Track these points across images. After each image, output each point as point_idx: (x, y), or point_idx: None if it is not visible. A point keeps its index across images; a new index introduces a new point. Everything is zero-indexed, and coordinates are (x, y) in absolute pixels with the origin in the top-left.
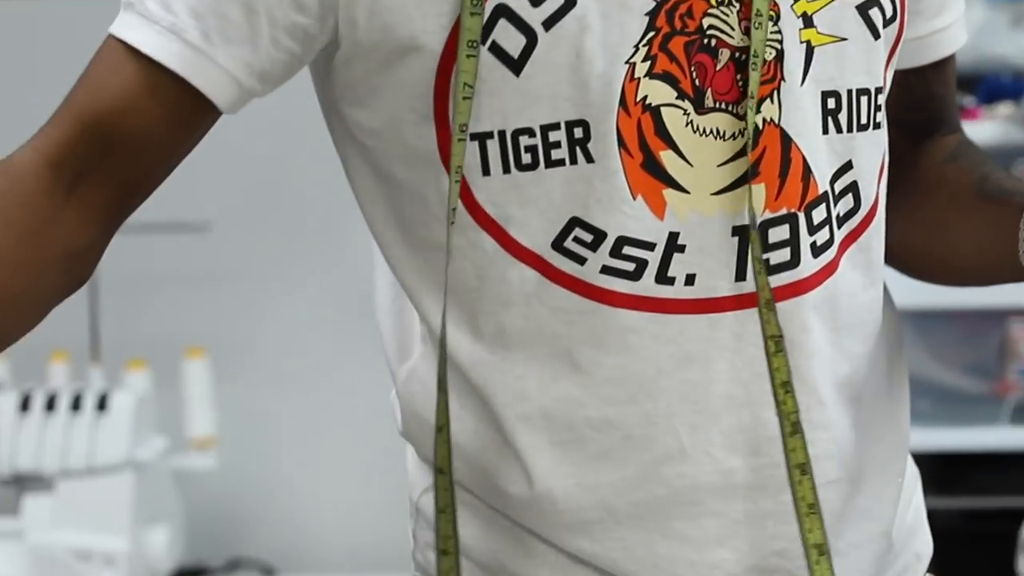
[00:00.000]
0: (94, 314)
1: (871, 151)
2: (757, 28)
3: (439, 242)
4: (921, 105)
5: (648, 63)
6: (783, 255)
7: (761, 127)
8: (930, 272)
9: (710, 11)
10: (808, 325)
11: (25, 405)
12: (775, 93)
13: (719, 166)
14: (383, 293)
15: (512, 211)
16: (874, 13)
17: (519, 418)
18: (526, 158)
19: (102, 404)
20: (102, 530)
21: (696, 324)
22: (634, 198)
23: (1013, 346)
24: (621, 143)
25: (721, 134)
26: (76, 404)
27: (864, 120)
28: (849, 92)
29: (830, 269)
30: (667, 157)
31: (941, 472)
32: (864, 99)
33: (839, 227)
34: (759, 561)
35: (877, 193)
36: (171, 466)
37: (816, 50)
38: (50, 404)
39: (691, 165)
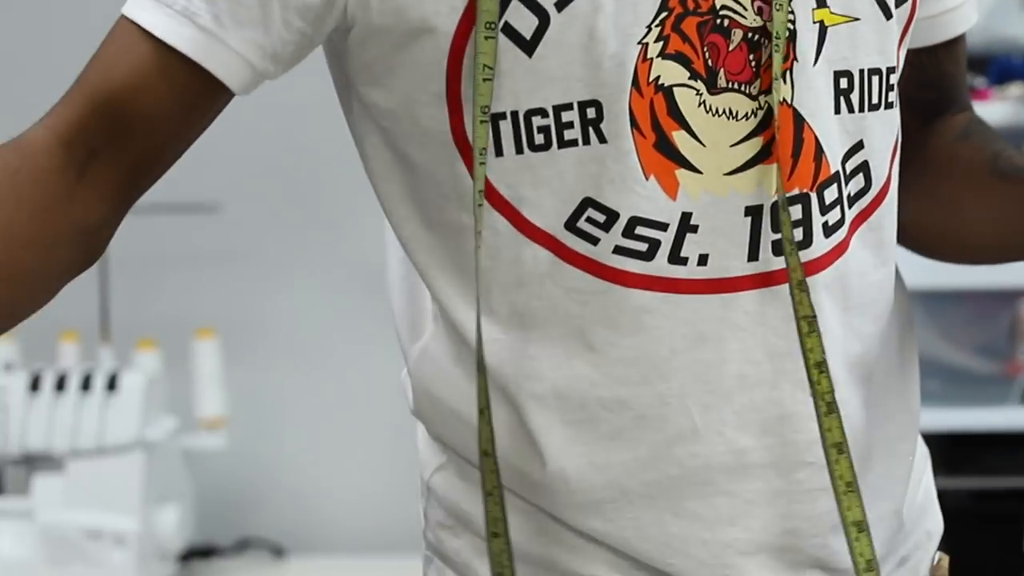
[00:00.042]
0: (104, 294)
1: (883, 131)
2: (778, 10)
3: (453, 222)
4: (932, 84)
5: (661, 43)
6: (795, 235)
7: (775, 107)
8: (944, 251)
9: None
10: (819, 305)
11: (35, 385)
12: (788, 73)
13: (732, 146)
14: (395, 272)
15: (525, 192)
16: None
17: (532, 398)
18: (539, 139)
19: (112, 384)
20: (112, 510)
21: (709, 304)
22: (647, 178)
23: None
24: (634, 123)
25: (734, 114)
26: (86, 384)
27: (876, 100)
28: (861, 72)
29: (841, 249)
30: (680, 137)
31: (951, 452)
32: (876, 79)
33: (850, 207)
34: (772, 540)
35: (889, 173)
36: (181, 446)
37: (829, 30)
38: (60, 384)
39: (704, 145)
